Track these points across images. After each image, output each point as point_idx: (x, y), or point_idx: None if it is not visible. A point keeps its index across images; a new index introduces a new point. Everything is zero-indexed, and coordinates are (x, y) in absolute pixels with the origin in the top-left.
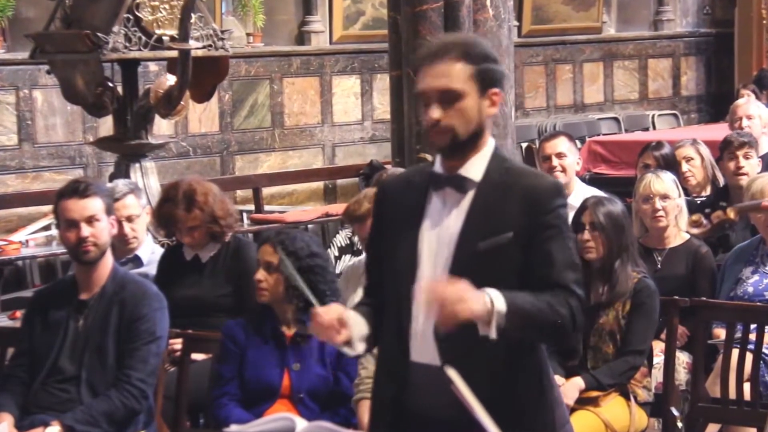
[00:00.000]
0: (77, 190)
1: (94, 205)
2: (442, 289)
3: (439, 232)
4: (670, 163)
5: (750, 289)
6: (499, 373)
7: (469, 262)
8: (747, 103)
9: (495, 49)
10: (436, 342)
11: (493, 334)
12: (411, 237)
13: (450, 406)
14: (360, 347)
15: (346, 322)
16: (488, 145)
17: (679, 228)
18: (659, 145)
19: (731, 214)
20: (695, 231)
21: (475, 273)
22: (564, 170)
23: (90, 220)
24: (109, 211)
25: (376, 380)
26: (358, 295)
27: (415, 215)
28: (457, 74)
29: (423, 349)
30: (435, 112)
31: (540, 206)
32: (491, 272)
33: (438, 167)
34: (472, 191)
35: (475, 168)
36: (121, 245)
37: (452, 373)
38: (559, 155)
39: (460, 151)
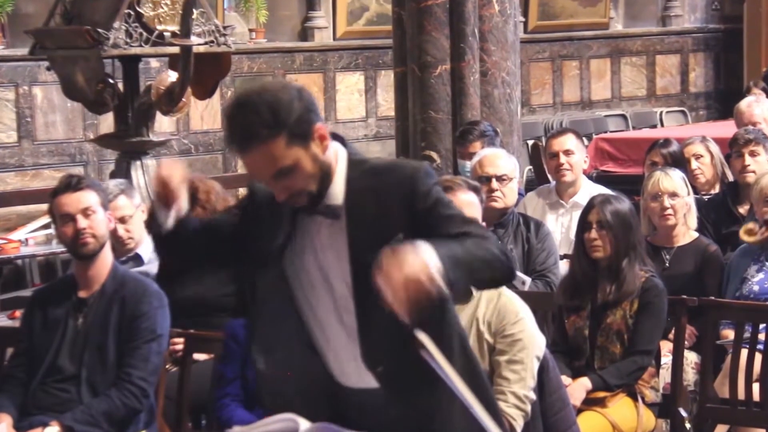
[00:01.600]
0: (70, 184)
1: (89, 197)
2: (397, 273)
3: (323, 260)
4: (678, 161)
5: (756, 288)
6: (435, 381)
7: (368, 281)
8: (750, 109)
9: (500, 45)
10: (366, 365)
11: (444, 288)
12: (281, 265)
13: (398, 420)
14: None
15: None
16: (339, 162)
17: (687, 227)
18: (667, 142)
19: None
20: (750, 239)
21: (376, 288)
22: (571, 168)
23: (86, 212)
24: (105, 205)
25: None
26: None
27: (285, 240)
28: (277, 153)
29: (350, 374)
30: (280, 192)
31: (415, 194)
32: None
33: None
34: (343, 212)
35: (336, 191)
36: (118, 246)
37: (423, 337)
38: (567, 152)
39: (321, 197)
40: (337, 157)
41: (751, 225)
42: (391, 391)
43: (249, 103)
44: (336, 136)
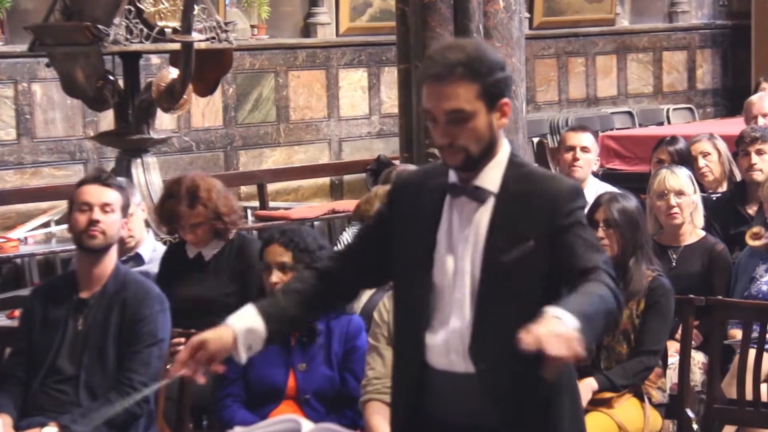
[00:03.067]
0: (100, 177)
1: (112, 195)
2: (549, 339)
3: (458, 243)
4: (685, 159)
5: (764, 288)
6: (531, 381)
7: (496, 275)
8: (761, 101)
9: (505, 41)
10: (470, 350)
11: (585, 354)
12: (426, 244)
13: (471, 415)
14: (243, 355)
15: (204, 345)
16: (503, 153)
17: (694, 225)
18: (674, 139)
19: None
20: (755, 243)
21: (502, 284)
22: (584, 165)
23: (104, 208)
24: (125, 211)
25: (394, 385)
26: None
27: (431, 222)
28: (464, 95)
29: (443, 356)
30: (445, 135)
31: (559, 211)
32: (517, 282)
33: (453, 177)
34: (490, 202)
35: (490, 178)
36: (119, 244)
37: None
38: (584, 149)
39: (475, 167)
40: (502, 146)
41: (756, 229)
42: (487, 391)
43: (461, 46)
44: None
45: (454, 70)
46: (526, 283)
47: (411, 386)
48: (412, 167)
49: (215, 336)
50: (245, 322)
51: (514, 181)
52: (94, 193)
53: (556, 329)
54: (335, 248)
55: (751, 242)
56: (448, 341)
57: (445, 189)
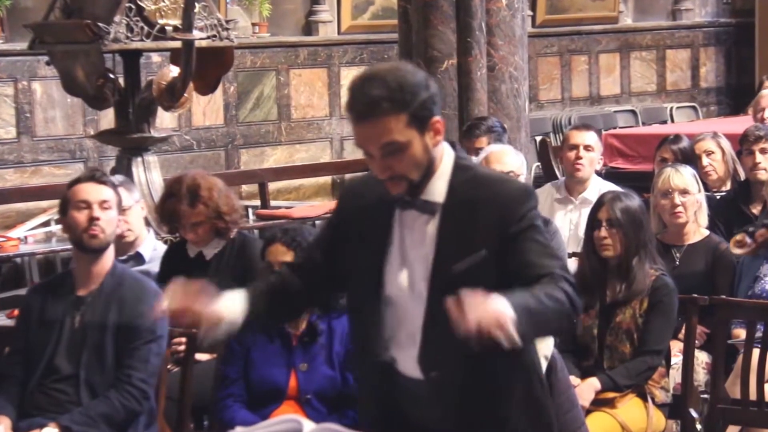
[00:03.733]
0: (94, 176)
1: (109, 193)
2: (482, 308)
3: (411, 256)
4: (689, 157)
5: None
6: (486, 385)
7: (446, 285)
8: None
9: (508, 39)
10: (419, 360)
11: (518, 340)
12: (377, 258)
13: (443, 420)
14: (224, 329)
15: (196, 318)
16: (446, 162)
17: (698, 224)
18: (677, 138)
19: None
20: (739, 251)
21: (452, 293)
22: (587, 164)
23: (102, 205)
24: (119, 208)
25: (362, 391)
26: None
27: (381, 236)
28: (395, 128)
29: (401, 363)
30: (384, 169)
31: (510, 216)
32: (469, 289)
33: None
34: (438, 214)
35: (437, 189)
36: (117, 240)
37: None
38: (587, 148)
39: (420, 188)
40: (443, 156)
41: (739, 237)
42: (438, 399)
43: (379, 77)
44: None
45: (379, 107)
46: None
47: (380, 389)
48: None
49: (209, 318)
50: (234, 315)
51: (460, 187)
52: (91, 191)
53: (489, 304)
54: None
55: (735, 250)
56: (404, 351)
57: (393, 202)
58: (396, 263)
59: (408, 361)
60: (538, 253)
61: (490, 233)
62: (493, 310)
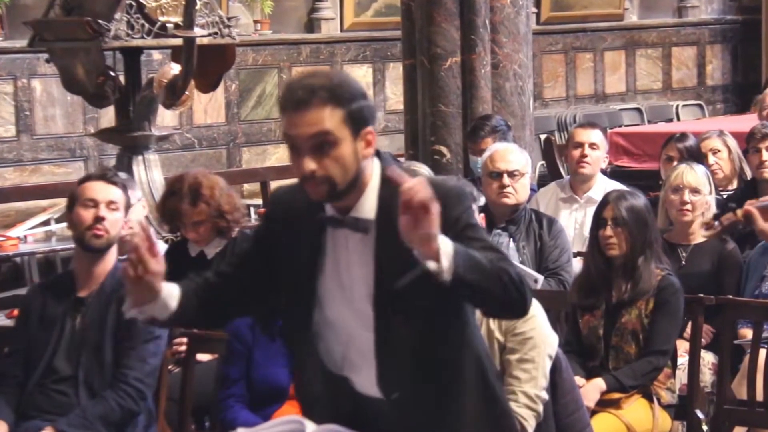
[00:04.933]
0: (105, 175)
1: (117, 193)
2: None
3: (346, 274)
4: (695, 156)
5: None
6: (444, 399)
7: (391, 302)
8: None
9: (512, 37)
10: (378, 382)
11: (446, 273)
12: (310, 278)
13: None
14: (134, 312)
15: (152, 273)
16: (374, 177)
17: None
18: (683, 136)
19: (740, 214)
20: (706, 233)
21: (398, 311)
22: (592, 162)
23: (110, 205)
24: (127, 209)
25: (308, 406)
26: None
27: (313, 256)
28: (329, 119)
29: (363, 382)
30: (309, 164)
31: (446, 219)
32: (415, 306)
33: (329, 209)
34: (371, 231)
35: (367, 206)
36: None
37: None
38: (592, 146)
39: (341, 198)
40: (372, 172)
41: (707, 220)
42: (400, 418)
43: (321, 73)
44: (377, 152)
45: (318, 94)
46: (423, 305)
47: (337, 404)
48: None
49: (156, 280)
50: (168, 300)
51: (391, 199)
52: (100, 190)
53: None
54: None
55: (702, 232)
56: (359, 372)
57: (324, 220)
58: (333, 284)
59: (365, 381)
60: (481, 249)
61: None
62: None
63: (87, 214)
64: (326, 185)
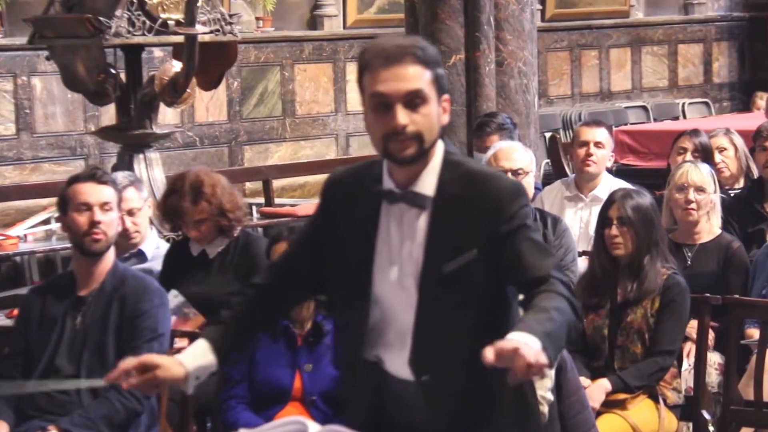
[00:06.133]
0: (94, 175)
1: (109, 193)
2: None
3: (397, 249)
4: (707, 151)
5: None
6: (478, 389)
7: (437, 284)
8: None
9: (517, 34)
10: (410, 362)
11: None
12: (364, 255)
13: (432, 423)
14: (191, 389)
15: (154, 369)
16: (437, 155)
17: (711, 224)
18: (696, 132)
19: None
20: None
21: (442, 295)
22: (597, 161)
23: (104, 207)
24: (119, 206)
25: (348, 394)
26: None
27: (368, 232)
28: (422, 77)
29: (391, 364)
30: (402, 117)
31: (502, 214)
32: (459, 292)
33: (388, 183)
34: (428, 209)
35: (428, 181)
36: (123, 240)
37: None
38: (597, 144)
39: (417, 161)
40: (437, 148)
41: None
42: (429, 402)
43: (407, 37)
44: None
45: (410, 52)
46: (468, 292)
47: (368, 390)
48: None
49: (168, 367)
50: (197, 361)
51: (450, 183)
52: (92, 192)
53: (522, 344)
54: None
55: None
56: (393, 352)
57: (380, 196)
58: (384, 259)
59: (397, 362)
60: (533, 253)
61: (480, 232)
62: (529, 356)
63: (82, 219)
64: (415, 141)
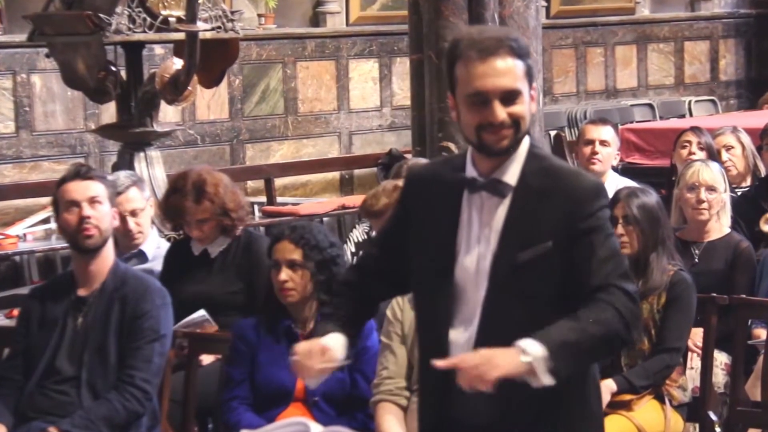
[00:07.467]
0: (79, 172)
1: (96, 187)
2: (470, 361)
3: (479, 240)
4: (711, 149)
5: None
6: (544, 394)
7: (508, 274)
8: None
9: (522, 31)
10: (475, 340)
11: (546, 380)
12: (446, 243)
13: (491, 417)
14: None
15: (327, 348)
16: (522, 147)
17: (720, 223)
18: (698, 128)
19: None
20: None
21: (512, 283)
22: (603, 159)
23: (92, 202)
24: (112, 200)
25: (421, 385)
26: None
27: (450, 220)
28: (516, 72)
29: (461, 348)
30: (501, 112)
31: (580, 211)
32: (531, 283)
33: (471, 171)
34: (508, 197)
35: (511, 171)
36: (126, 241)
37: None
38: (603, 143)
39: (508, 153)
40: (524, 139)
41: None
42: (496, 394)
43: (496, 28)
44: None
45: (505, 43)
46: (538, 285)
47: (437, 386)
48: (423, 161)
49: (335, 351)
50: (338, 341)
51: (533, 175)
52: (78, 189)
53: (488, 359)
54: (345, 245)
55: (765, 228)
56: (459, 335)
57: (462, 184)
58: (464, 244)
59: (461, 341)
60: (600, 258)
61: (557, 226)
62: (488, 358)
63: (72, 217)
64: (512, 131)
